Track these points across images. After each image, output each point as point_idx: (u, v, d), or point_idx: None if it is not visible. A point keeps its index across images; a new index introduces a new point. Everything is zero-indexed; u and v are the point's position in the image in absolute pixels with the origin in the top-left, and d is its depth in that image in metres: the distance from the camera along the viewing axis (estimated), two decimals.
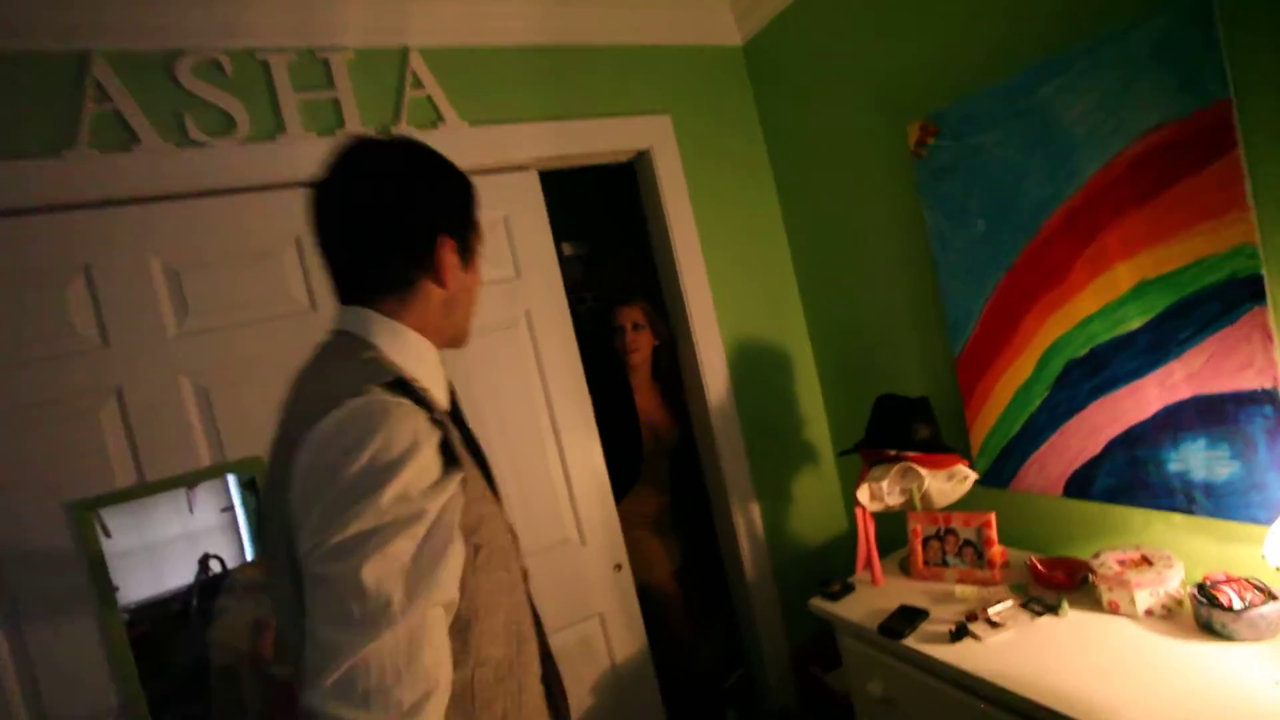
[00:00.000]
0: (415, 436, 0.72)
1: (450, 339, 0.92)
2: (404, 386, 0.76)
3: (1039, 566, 1.56)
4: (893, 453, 1.70)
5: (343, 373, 0.77)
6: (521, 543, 1.01)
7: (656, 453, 2.31)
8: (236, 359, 1.58)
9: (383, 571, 0.67)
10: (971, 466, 1.77)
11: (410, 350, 0.84)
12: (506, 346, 1.92)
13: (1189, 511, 1.40)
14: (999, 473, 1.78)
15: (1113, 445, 1.52)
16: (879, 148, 1.93)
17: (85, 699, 1.38)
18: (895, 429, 1.73)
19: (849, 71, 1.98)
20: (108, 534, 1.42)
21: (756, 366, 2.27)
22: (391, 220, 0.82)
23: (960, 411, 1.85)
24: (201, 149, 1.56)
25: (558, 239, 2.99)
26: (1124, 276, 1.42)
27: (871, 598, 1.71)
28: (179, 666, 1.47)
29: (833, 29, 1.99)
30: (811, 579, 2.25)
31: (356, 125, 1.73)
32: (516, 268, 1.95)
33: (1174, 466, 1.41)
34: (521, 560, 0.96)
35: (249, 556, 1.58)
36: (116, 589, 1.40)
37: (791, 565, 2.27)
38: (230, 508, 1.59)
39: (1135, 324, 1.43)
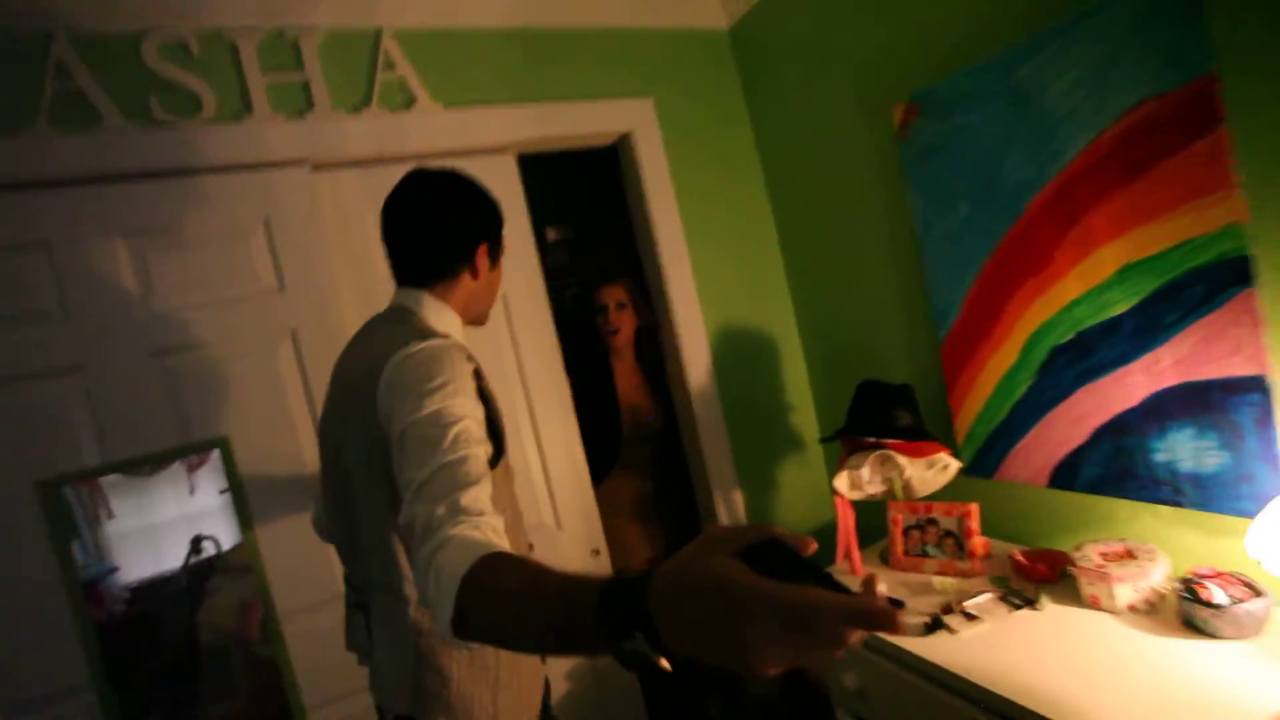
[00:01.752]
0: (467, 367, 0.98)
1: (474, 318, 1.21)
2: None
3: (1020, 558, 1.51)
4: (872, 440, 1.66)
5: (405, 330, 1.02)
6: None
7: (637, 437, 2.27)
8: (203, 339, 1.56)
9: (450, 417, 0.88)
10: (955, 455, 1.72)
11: (446, 321, 1.11)
12: (485, 328, 1.88)
13: (1176, 503, 1.35)
14: (984, 462, 1.73)
15: (1099, 434, 1.46)
16: (865, 131, 1.88)
17: (53, 675, 1.38)
18: (876, 416, 1.69)
19: (835, 54, 1.92)
20: (111, 515, 1.43)
21: (741, 352, 2.23)
22: (451, 228, 1.11)
23: (945, 399, 1.80)
24: (166, 129, 1.54)
25: (544, 224, 2.98)
26: (1109, 259, 1.37)
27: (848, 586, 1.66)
28: (172, 646, 1.49)
29: (819, 11, 1.93)
30: None
31: (326, 108, 1.70)
32: None
33: (1161, 456, 1.36)
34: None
35: (238, 539, 1.58)
36: (116, 569, 1.44)
37: None
38: (228, 490, 1.59)
39: (1121, 308, 1.37)
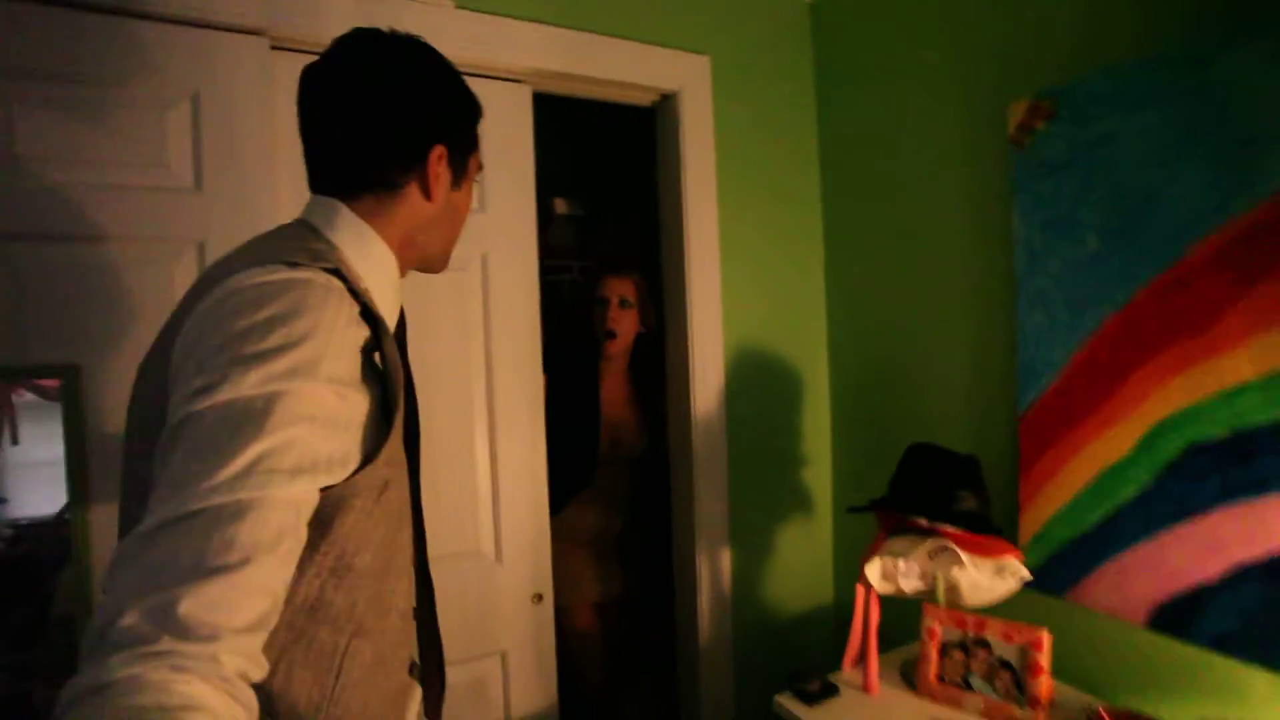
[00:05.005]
0: (347, 334, 0.63)
1: (423, 261, 0.84)
2: (342, 279, 0.66)
3: None
4: (924, 523, 1.26)
5: (279, 248, 0.67)
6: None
7: (615, 461, 1.87)
8: (70, 231, 1.16)
9: (263, 412, 0.54)
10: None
11: (372, 258, 0.75)
12: (449, 294, 1.50)
13: None
14: (1054, 575, 1.34)
15: (1244, 574, 1.07)
16: (966, 132, 1.51)
17: None
18: (931, 492, 1.29)
19: (942, 39, 1.56)
20: (15, 440, 1.15)
21: (759, 383, 1.83)
22: (389, 113, 0.75)
23: (1013, 483, 1.41)
24: None
25: (551, 193, 2.60)
26: None
27: (859, 709, 1.26)
28: (37, 604, 1.19)
29: None
30: (777, 657, 1.82)
31: None
32: (481, 200, 1.53)
33: None
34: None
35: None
36: (5, 500, 1.16)
37: (756, 634, 1.81)
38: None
39: None
